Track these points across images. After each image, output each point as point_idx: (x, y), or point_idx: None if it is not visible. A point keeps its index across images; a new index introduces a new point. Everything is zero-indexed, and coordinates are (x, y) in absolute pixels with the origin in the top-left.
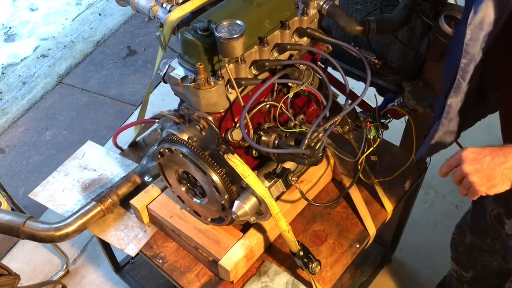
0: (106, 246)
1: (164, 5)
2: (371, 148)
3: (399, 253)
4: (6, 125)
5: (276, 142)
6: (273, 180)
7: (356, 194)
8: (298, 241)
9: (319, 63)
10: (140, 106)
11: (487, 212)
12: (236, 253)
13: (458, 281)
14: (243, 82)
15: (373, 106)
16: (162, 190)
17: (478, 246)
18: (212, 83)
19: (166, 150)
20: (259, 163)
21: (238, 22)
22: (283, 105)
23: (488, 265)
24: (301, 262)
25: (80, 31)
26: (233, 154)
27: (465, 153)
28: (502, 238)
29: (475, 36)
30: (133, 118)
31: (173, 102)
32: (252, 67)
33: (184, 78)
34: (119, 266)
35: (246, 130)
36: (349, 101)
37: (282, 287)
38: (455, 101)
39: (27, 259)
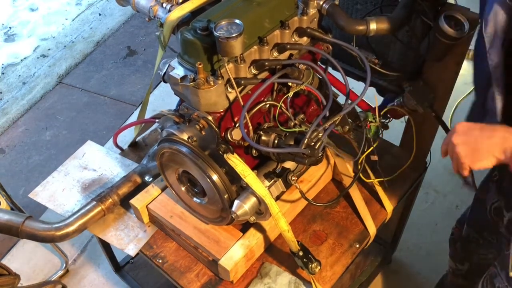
0: (106, 246)
1: (164, 5)
2: (371, 148)
3: (399, 253)
4: (6, 125)
5: (276, 141)
6: (273, 180)
7: (356, 194)
8: (298, 241)
9: (319, 63)
10: (140, 106)
11: (487, 206)
12: (236, 253)
13: (453, 274)
14: (242, 82)
15: (373, 106)
16: (162, 190)
17: (475, 239)
18: (212, 83)
19: (166, 150)
20: (259, 163)
21: (237, 21)
22: (282, 105)
23: (484, 258)
24: (301, 262)
25: (80, 31)
26: (233, 154)
27: (458, 126)
28: (499, 232)
29: (494, 44)
30: (133, 118)
31: (173, 102)
32: (251, 67)
33: (183, 78)
34: (119, 266)
35: (245, 130)
36: (349, 101)
37: (285, 287)
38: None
39: (27, 259)
